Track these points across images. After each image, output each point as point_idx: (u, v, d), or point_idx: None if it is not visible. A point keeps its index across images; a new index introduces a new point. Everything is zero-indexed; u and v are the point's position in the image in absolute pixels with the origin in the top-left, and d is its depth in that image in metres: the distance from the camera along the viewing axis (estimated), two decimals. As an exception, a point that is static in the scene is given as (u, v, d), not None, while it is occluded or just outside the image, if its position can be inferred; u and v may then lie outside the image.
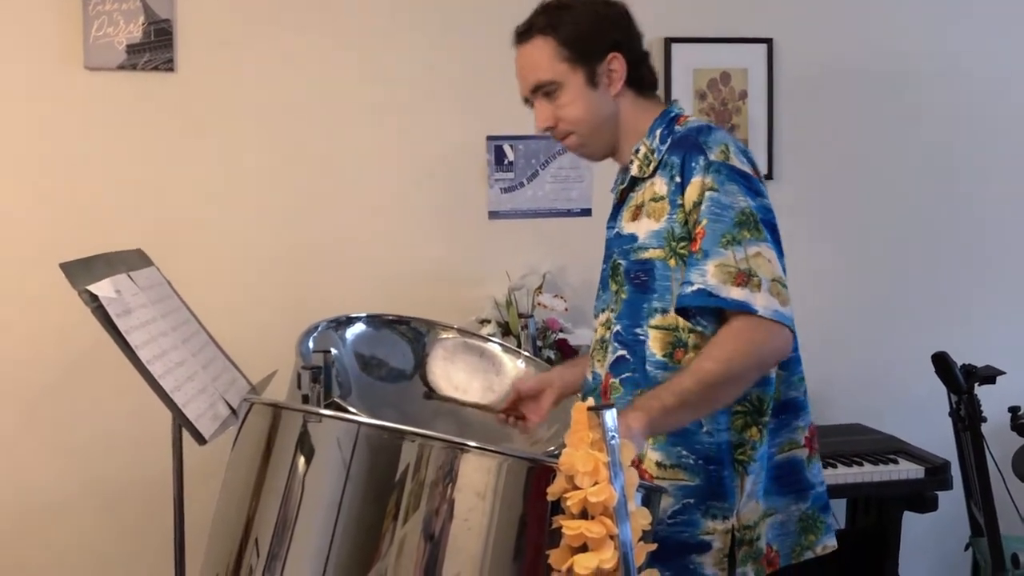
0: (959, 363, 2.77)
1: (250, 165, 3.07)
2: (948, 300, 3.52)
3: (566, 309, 3.07)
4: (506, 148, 3.23)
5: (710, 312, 1.76)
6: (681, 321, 1.80)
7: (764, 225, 1.78)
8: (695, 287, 1.74)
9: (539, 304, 3.08)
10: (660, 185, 1.85)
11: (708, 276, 1.73)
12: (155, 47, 2.97)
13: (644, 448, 1.82)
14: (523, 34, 1.92)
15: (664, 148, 1.87)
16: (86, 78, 2.95)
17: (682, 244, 1.80)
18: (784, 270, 1.79)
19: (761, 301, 1.71)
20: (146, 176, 3.00)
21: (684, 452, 1.82)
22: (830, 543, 1.95)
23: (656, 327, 1.83)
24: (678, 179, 1.82)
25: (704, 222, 1.76)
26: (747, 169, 1.82)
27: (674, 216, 1.82)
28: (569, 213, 3.28)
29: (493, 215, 3.24)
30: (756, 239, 1.76)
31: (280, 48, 3.07)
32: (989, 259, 3.56)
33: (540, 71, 1.89)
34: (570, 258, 3.21)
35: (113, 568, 3.00)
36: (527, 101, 1.96)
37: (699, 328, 1.79)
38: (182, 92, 3.01)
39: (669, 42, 3.25)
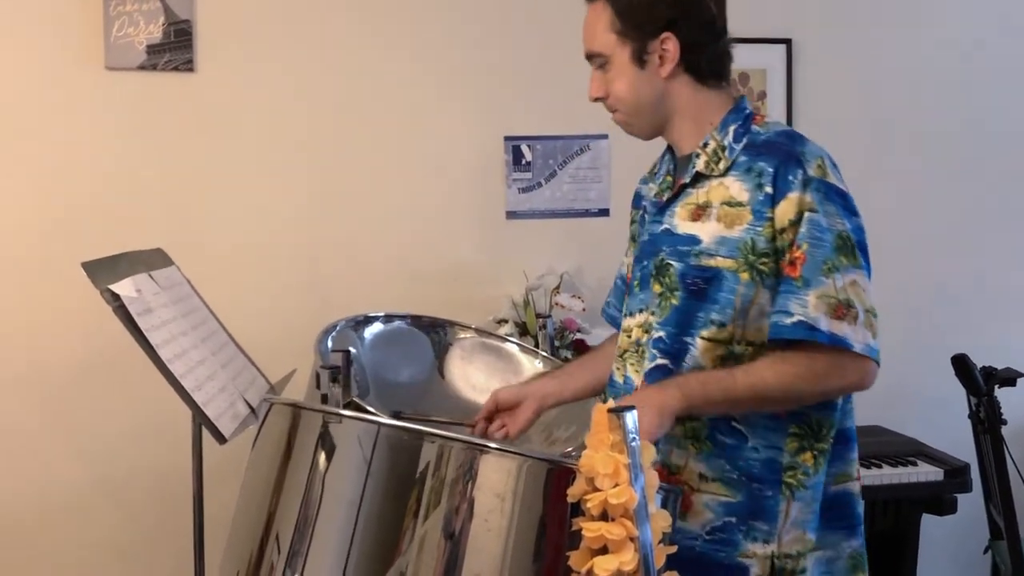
0: (979, 365, 2.77)
1: (269, 165, 3.07)
2: (968, 302, 3.50)
3: (584, 309, 3.06)
4: (524, 148, 3.23)
5: (806, 342, 1.67)
6: (737, 334, 1.72)
7: (859, 248, 1.72)
8: (795, 319, 1.66)
9: (557, 304, 3.07)
10: (738, 190, 1.74)
11: (809, 308, 1.66)
12: (175, 47, 2.98)
13: (686, 459, 1.76)
14: None
15: (739, 147, 1.77)
16: (106, 78, 2.96)
17: (763, 260, 1.70)
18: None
19: (858, 336, 1.67)
20: (166, 176, 3.01)
21: (727, 466, 1.73)
22: None
23: (708, 339, 1.73)
24: (768, 189, 1.71)
25: (805, 246, 1.68)
26: (843, 186, 1.74)
27: (758, 228, 1.70)
28: (587, 213, 3.27)
29: (511, 215, 3.24)
30: (853, 265, 1.69)
31: (299, 49, 3.08)
32: (1010, 261, 3.54)
33: (593, 41, 1.81)
34: (588, 258, 3.21)
35: (132, 566, 3.01)
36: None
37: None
38: (202, 92, 3.02)
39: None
